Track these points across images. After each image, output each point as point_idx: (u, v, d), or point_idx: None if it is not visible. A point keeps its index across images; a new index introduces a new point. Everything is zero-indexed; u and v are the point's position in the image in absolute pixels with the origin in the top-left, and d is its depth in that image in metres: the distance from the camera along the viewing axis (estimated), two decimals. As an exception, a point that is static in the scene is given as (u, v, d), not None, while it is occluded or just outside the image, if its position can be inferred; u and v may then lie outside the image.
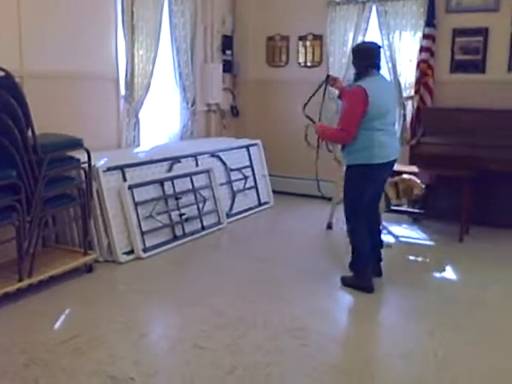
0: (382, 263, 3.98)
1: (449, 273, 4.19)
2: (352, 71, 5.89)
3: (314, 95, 4.22)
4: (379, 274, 3.93)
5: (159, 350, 3.02)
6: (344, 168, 3.85)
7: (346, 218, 3.80)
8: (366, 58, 3.65)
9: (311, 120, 4.16)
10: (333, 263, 4.35)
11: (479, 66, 5.62)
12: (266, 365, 2.80)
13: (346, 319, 3.52)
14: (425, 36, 5.65)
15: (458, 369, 2.80)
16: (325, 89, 4.18)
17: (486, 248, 4.71)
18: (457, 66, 5.72)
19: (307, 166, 6.48)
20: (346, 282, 3.82)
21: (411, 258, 4.49)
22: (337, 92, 4.38)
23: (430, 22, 5.62)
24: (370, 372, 2.82)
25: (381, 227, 4.27)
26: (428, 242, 4.93)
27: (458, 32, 5.66)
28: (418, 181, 4.65)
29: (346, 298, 3.73)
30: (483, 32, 5.55)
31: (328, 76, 4.21)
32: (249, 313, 3.41)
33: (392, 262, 4.34)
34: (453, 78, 5.73)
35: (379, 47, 3.77)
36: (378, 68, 3.69)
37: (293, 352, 2.95)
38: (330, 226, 5.29)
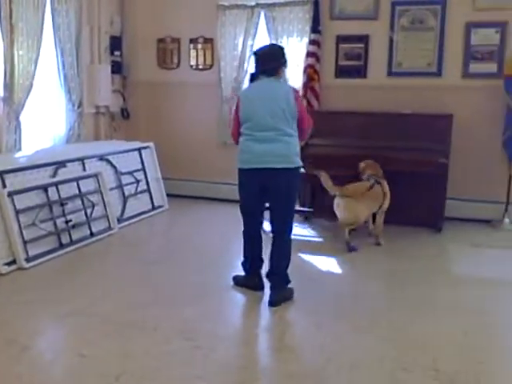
0: (276, 294, 3.60)
1: (336, 267, 4.38)
2: (243, 75, 6.17)
3: None
4: (270, 303, 3.57)
5: (43, 362, 2.88)
6: None
7: None
8: (256, 63, 3.62)
9: None
10: (226, 264, 4.38)
11: (361, 72, 5.93)
12: (155, 369, 2.75)
13: (237, 318, 3.54)
14: (311, 42, 5.86)
15: (343, 359, 2.91)
16: None
17: (372, 242, 4.97)
18: (341, 71, 5.99)
19: (202, 168, 6.56)
20: (238, 282, 3.87)
21: (301, 254, 4.62)
22: None
23: (316, 28, 5.84)
24: (262, 368, 2.88)
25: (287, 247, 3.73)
26: (317, 239, 5.12)
27: (341, 38, 5.94)
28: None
29: (238, 296, 3.77)
30: (364, 39, 5.87)
31: None
32: (139, 318, 3.34)
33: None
34: (337, 82, 6.00)
35: (268, 52, 3.66)
36: (266, 73, 3.54)
37: (184, 355, 2.92)
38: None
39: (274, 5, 5.98)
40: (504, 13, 5.39)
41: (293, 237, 5.11)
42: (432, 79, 5.69)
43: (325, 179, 4.73)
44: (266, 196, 3.60)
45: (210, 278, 4.06)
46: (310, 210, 5.70)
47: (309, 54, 5.87)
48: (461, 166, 5.50)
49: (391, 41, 5.76)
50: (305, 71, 5.89)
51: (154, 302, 3.60)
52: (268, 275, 3.68)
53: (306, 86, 5.89)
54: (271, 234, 3.73)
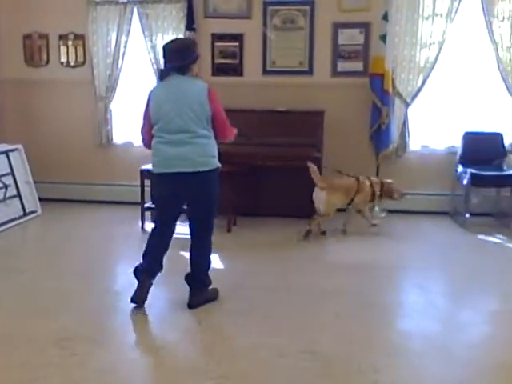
0: (194, 297, 3.51)
1: (217, 262, 4.39)
2: (117, 73, 6.02)
3: None
4: (189, 305, 3.48)
5: None
6: None
7: None
8: (166, 58, 3.40)
9: None
10: (103, 268, 4.26)
11: (237, 70, 6.03)
12: (30, 381, 2.61)
13: (114, 322, 3.41)
14: (186, 39, 5.86)
15: (223, 350, 2.96)
16: None
17: (251, 236, 5.10)
18: (217, 70, 6.04)
19: (78, 169, 6.30)
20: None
21: (183, 252, 4.60)
22: None
23: (190, 26, 5.83)
24: (142, 369, 2.84)
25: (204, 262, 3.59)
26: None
27: (216, 37, 5.99)
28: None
29: (115, 301, 3.66)
30: (239, 37, 5.97)
31: None
32: (11, 330, 3.16)
33: (166, 259, 4.46)
34: (214, 80, 5.99)
35: (178, 47, 3.40)
36: (178, 70, 3.33)
37: (61, 364, 2.81)
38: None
39: (147, 1, 5.89)
40: (367, 14, 5.74)
41: (176, 235, 5.16)
42: (304, 77, 5.93)
43: (313, 171, 4.96)
44: (182, 201, 3.45)
45: (86, 283, 3.93)
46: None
47: (185, 52, 5.85)
48: (333, 160, 5.76)
49: (265, 38, 5.91)
50: (182, 69, 5.87)
51: (28, 313, 3.42)
52: (186, 278, 3.54)
53: (183, 83, 5.87)
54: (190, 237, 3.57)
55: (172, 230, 3.55)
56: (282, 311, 3.47)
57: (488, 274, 4.20)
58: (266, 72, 5.99)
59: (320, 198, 4.98)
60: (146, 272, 3.47)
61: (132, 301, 3.41)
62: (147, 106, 3.40)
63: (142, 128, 3.48)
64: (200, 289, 3.53)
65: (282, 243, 4.91)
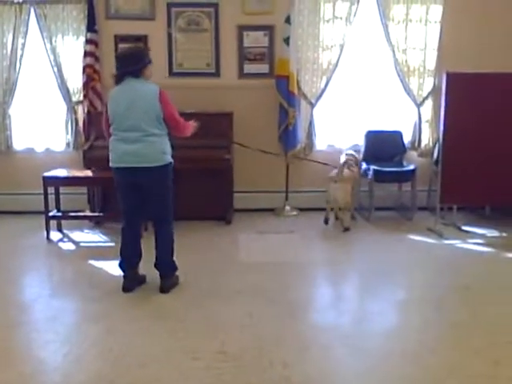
0: (165, 281, 3.83)
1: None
2: (15, 76, 5.74)
3: None
4: (161, 290, 3.82)
5: None
6: None
7: None
8: (119, 65, 3.74)
9: None
10: (8, 281, 4.04)
11: (144, 72, 5.91)
12: None
13: (18, 336, 3.22)
14: (87, 41, 5.66)
15: (133, 358, 2.89)
16: None
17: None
18: (123, 72, 5.90)
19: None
20: None
21: (92, 261, 4.46)
22: None
23: (91, 27, 5.67)
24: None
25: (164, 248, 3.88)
26: (110, 244, 4.98)
27: (120, 38, 5.82)
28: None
29: (20, 313, 3.49)
30: (143, 39, 5.85)
31: None
32: None
33: (72, 268, 4.32)
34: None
35: (129, 54, 3.81)
36: (131, 74, 3.65)
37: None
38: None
39: (44, 2, 5.65)
40: (270, 17, 5.84)
41: (83, 244, 5.03)
42: (212, 79, 5.94)
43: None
44: (138, 191, 3.76)
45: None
46: (101, 214, 5.53)
47: (87, 54, 5.66)
48: (244, 161, 5.84)
49: (170, 40, 5.85)
50: (84, 71, 5.68)
51: None
52: (155, 265, 3.85)
53: (86, 86, 5.69)
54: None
55: (138, 219, 3.93)
56: (195, 314, 3.45)
57: (393, 265, 4.40)
58: (172, 74, 5.94)
59: (338, 190, 5.22)
60: (127, 265, 3.87)
61: (123, 290, 3.80)
62: (106, 107, 3.76)
63: (104, 127, 3.84)
64: (169, 273, 3.85)
65: (195, 246, 4.88)
